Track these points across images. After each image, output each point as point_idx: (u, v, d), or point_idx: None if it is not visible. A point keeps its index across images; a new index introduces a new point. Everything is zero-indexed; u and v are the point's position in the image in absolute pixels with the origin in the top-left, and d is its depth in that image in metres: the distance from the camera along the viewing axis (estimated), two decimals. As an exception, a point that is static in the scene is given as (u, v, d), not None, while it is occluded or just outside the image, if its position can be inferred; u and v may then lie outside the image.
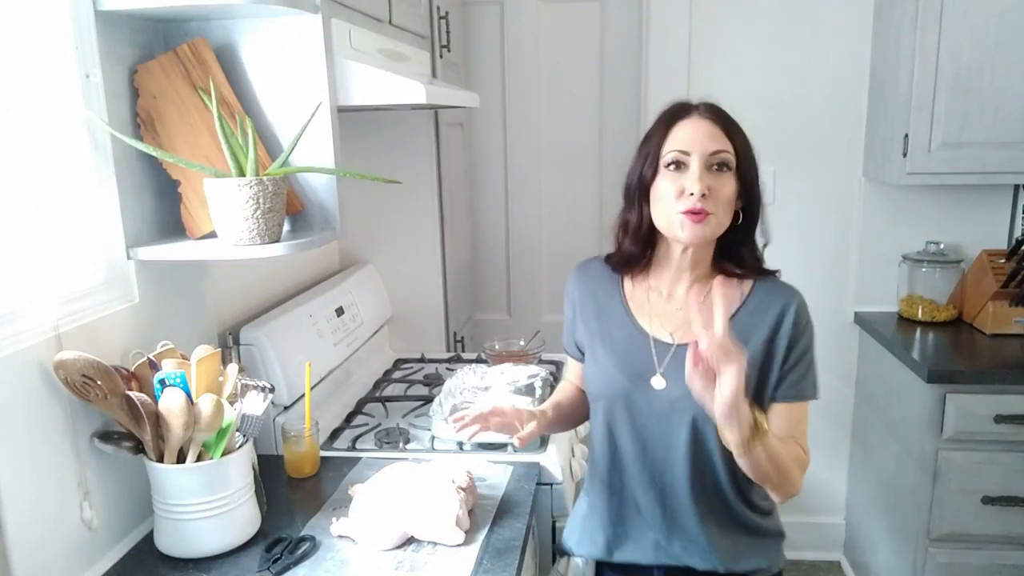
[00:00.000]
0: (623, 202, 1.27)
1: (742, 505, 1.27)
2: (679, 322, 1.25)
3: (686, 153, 1.17)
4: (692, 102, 1.23)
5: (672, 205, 1.17)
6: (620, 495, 1.30)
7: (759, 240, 1.27)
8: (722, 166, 1.17)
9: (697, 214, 1.15)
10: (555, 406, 1.37)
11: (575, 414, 1.41)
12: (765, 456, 1.08)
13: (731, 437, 1.05)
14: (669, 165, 1.18)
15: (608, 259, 1.33)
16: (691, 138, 1.17)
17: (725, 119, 1.20)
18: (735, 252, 1.25)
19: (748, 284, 1.25)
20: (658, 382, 1.23)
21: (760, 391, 1.21)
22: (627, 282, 1.32)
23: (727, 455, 1.13)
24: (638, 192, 1.23)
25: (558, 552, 1.42)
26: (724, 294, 1.02)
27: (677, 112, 1.21)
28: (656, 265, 1.29)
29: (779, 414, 1.23)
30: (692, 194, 1.15)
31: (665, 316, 1.27)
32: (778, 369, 1.21)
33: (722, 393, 1.00)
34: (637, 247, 1.27)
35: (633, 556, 1.30)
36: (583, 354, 1.35)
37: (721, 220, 1.18)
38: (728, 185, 1.17)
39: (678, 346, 1.23)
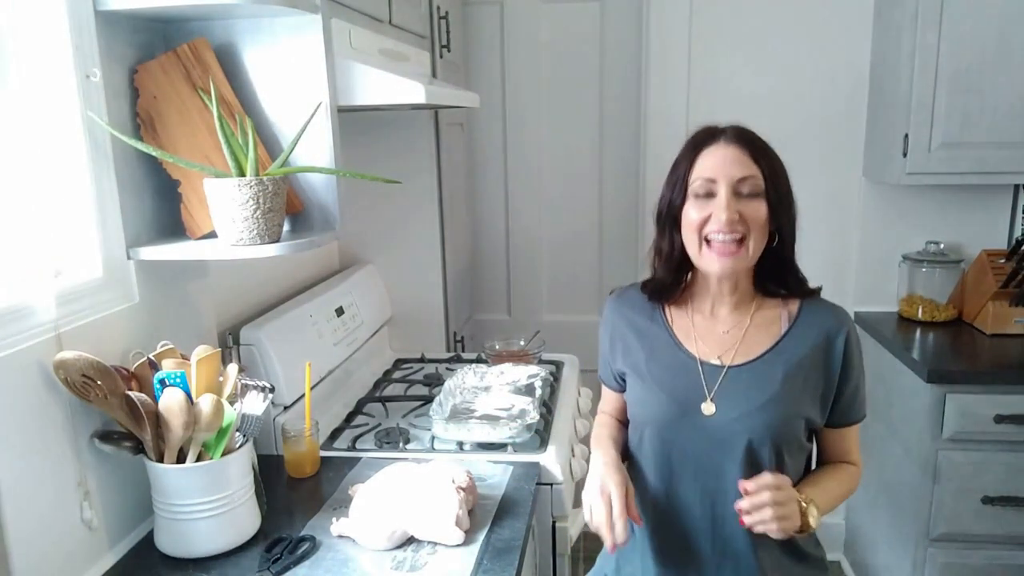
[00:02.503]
0: (655, 229, 1.26)
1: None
2: (727, 345, 1.23)
3: (713, 181, 1.16)
4: (719, 127, 1.21)
5: (700, 232, 1.17)
6: (667, 529, 1.25)
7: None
8: (751, 191, 1.16)
9: (728, 246, 1.14)
10: (616, 444, 1.29)
11: (621, 448, 1.33)
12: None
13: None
14: (697, 193, 1.17)
15: (644, 287, 1.31)
16: (718, 165, 1.16)
17: (752, 143, 1.18)
18: (775, 273, 1.24)
19: (795, 305, 1.24)
20: (708, 407, 1.20)
21: (814, 418, 1.21)
22: (668, 307, 1.29)
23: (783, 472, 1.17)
24: (668, 220, 1.22)
25: None
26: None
27: (704, 138, 1.20)
28: (696, 290, 1.28)
29: (833, 438, 1.25)
30: (721, 221, 1.14)
31: (712, 339, 1.24)
32: (832, 401, 1.22)
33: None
34: (671, 275, 1.26)
35: None
36: (621, 384, 1.33)
37: (755, 247, 1.17)
38: (759, 210, 1.16)
39: (729, 368, 1.21)
